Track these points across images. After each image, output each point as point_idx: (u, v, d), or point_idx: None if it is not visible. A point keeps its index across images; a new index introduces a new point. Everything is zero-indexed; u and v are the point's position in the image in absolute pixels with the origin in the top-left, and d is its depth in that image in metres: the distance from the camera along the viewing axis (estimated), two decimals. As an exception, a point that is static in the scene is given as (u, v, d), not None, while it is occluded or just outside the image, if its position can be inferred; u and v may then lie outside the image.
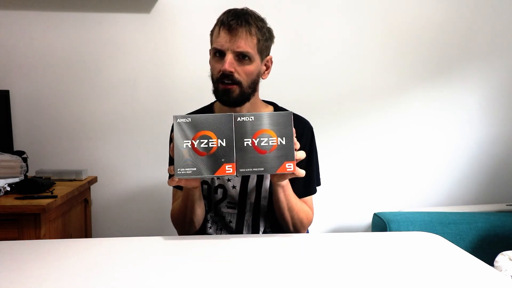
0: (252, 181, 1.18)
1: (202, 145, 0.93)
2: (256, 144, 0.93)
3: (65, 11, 1.78)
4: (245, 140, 0.93)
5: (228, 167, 0.92)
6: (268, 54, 1.16)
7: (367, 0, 1.86)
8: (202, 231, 1.21)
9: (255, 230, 1.20)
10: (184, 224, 1.15)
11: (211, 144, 0.93)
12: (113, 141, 1.84)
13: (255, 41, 1.08)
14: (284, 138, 0.94)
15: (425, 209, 1.82)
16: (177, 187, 1.21)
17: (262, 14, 1.14)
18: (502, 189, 1.99)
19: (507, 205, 1.87)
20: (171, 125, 1.23)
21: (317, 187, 1.24)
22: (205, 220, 1.21)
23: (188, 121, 0.93)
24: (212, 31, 1.14)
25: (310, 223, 1.20)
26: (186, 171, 0.93)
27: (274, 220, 1.19)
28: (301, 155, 0.98)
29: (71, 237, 1.60)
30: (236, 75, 1.08)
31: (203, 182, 1.19)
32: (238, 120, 0.93)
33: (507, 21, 1.91)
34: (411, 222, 1.66)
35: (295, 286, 0.76)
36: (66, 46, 1.79)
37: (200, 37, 1.75)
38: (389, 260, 0.88)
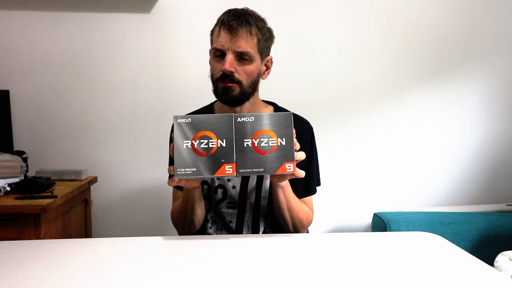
0: (252, 181, 1.18)
1: (202, 146, 0.93)
2: (256, 145, 0.93)
3: (65, 11, 1.78)
4: (245, 140, 0.93)
5: (228, 168, 0.92)
6: (268, 54, 1.17)
7: (367, 0, 1.86)
8: (202, 231, 1.21)
9: (255, 230, 1.20)
10: (184, 224, 1.15)
11: (211, 145, 0.93)
12: (113, 141, 1.84)
13: (255, 41, 1.09)
14: (284, 139, 0.93)
15: (425, 209, 1.82)
16: (177, 187, 1.21)
17: (262, 14, 1.14)
18: (502, 189, 1.99)
19: (507, 205, 1.87)
20: (171, 125, 1.23)
21: (317, 187, 1.24)
22: (205, 220, 1.21)
23: (188, 121, 0.93)
24: (212, 31, 1.14)
25: (310, 223, 1.20)
26: (186, 171, 0.92)
27: (274, 220, 1.19)
28: (301, 156, 0.98)
29: (71, 237, 1.60)
30: (236, 74, 1.08)
31: (203, 182, 1.19)
32: (238, 120, 0.93)
33: (507, 21, 1.91)
34: (411, 222, 1.66)
35: (295, 286, 0.76)
36: (66, 46, 1.79)
37: (200, 37, 1.75)
38: (389, 260, 0.88)
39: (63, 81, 1.81)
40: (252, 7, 1.14)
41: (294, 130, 0.95)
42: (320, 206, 1.76)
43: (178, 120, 0.93)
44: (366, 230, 1.94)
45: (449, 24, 1.90)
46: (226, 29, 1.07)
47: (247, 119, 0.94)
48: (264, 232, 1.20)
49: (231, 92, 1.09)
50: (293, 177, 0.97)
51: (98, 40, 1.80)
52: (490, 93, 1.95)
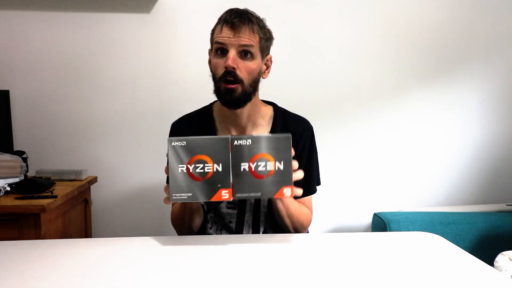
0: (252, 181, 1.18)
1: (197, 170, 0.91)
2: (253, 169, 0.91)
3: (65, 11, 1.78)
4: (242, 164, 0.91)
5: (224, 193, 0.91)
6: (268, 54, 1.17)
7: (367, 0, 1.86)
8: (202, 231, 1.21)
9: (255, 231, 1.20)
10: (183, 228, 1.17)
11: (207, 169, 0.91)
12: (113, 141, 1.84)
13: (257, 38, 1.09)
14: (282, 163, 0.91)
15: (425, 209, 1.81)
16: None
17: (262, 14, 1.14)
18: (502, 189, 1.99)
19: (507, 205, 1.87)
20: (170, 128, 1.24)
21: (317, 187, 1.24)
22: (205, 221, 1.21)
23: (183, 144, 0.91)
24: (213, 30, 1.13)
25: (310, 223, 1.21)
26: (182, 196, 0.91)
27: (275, 221, 1.18)
28: (299, 175, 0.97)
29: (71, 237, 1.60)
30: (238, 72, 1.07)
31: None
32: (235, 143, 0.91)
33: (507, 21, 1.91)
34: (411, 222, 1.65)
35: (295, 286, 0.76)
36: (66, 46, 1.79)
37: (200, 37, 1.75)
38: (389, 260, 0.88)
39: (63, 81, 1.81)
40: (252, 7, 1.14)
41: (293, 149, 0.94)
42: (320, 206, 1.76)
43: (173, 144, 0.91)
44: (366, 230, 1.94)
45: (449, 24, 1.90)
46: (229, 26, 1.07)
47: (244, 142, 0.91)
48: (264, 232, 1.20)
49: (234, 93, 1.08)
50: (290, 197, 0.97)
51: (98, 40, 1.80)
52: (490, 93, 1.95)
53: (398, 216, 1.68)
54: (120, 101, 1.83)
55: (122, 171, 1.85)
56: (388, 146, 1.93)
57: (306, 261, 0.89)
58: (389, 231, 1.62)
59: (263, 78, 1.17)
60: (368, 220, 1.89)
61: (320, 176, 1.25)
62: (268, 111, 1.22)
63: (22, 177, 1.51)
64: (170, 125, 1.24)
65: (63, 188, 1.53)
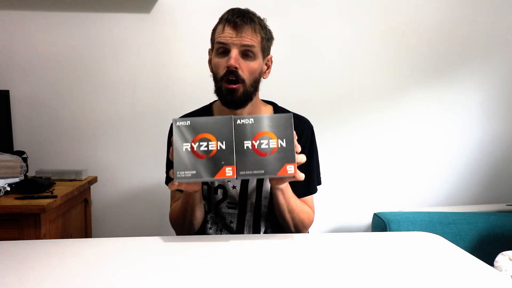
0: (253, 181, 1.18)
1: (201, 148, 0.92)
2: (256, 147, 0.92)
3: (65, 11, 1.78)
4: (245, 142, 0.92)
5: (228, 170, 0.91)
6: (269, 54, 1.17)
7: (367, 0, 1.86)
8: (202, 231, 1.21)
9: (256, 231, 1.19)
10: (183, 226, 1.15)
11: (211, 147, 0.92)
12: (113, 141, 1.84)
13: (259, 38, 1.09)
14: (284, 140, 0.92)
15: (425, 209, 1.81)
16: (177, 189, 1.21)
17: (262, 14, 1.14)
18: (502, 189, 1.99)
19: (507, 205, 1.87)
20: (169, 127, 1.23)
21: (318, 186, 1.24)
22: (205, 221, 1.21)
23: (187, 124, 0.92)
24: (214, 30, 1.13)
25: (311, 223, 1.20)
26: (186, 174, 0.91)
27: (275, 221, 1.18)
28: (301, 158, 0.97)
29: (71, 237, 1.60)
30: (240, 72, 1.07)
31: (203, 183, 1.19)
32: (238, 122, 0.92)
33: (507, 21, 1.91)
34: (411, 222, 1.66)
35: (295, 286, 0.76)
36: (66, 46, 1.79)
37: (200, 37, 1.75)
38: (389, 260, 0.88)
39: (63, 81, 1.81)
40: (252, 6, 1.14)
41: (294, 132, 0.94)
42: (320, 206, 1.76)
43: (177, 123, 0.92)
44: (366, 230, 1.94)
45: (449, 24, 1.90)
46: (231, 25, 1.07)
47: (247, 121, 0.92)
48: (265, 233, 1.20)
49: (236, 93, 1.08)
50: (293, 179, 0.97)
51: (98, 40, 1.80)
52: (490, 93, 1.95)
53: (398, 216, 1.68)
54: (120, 101, 1.83)
55: (122, 171, 1.85)
56: (388, 146, 1.93)
57: (306, 261, 0.89)
58: (389, 231, 1.62)
59: (263, 78, 1.17)
60: (368, 220, 1.89)
61: (321, 176, 1.25)
62: (268, 110, 1.22)
63: (22, 177, 1.51)
64: (170, 124, 1.24)
65: (63, 188, 1.53)
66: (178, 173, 0.91)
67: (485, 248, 1.64)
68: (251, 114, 1.16)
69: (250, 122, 0.92)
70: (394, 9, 1.87)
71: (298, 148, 0.96)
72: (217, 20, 1.13)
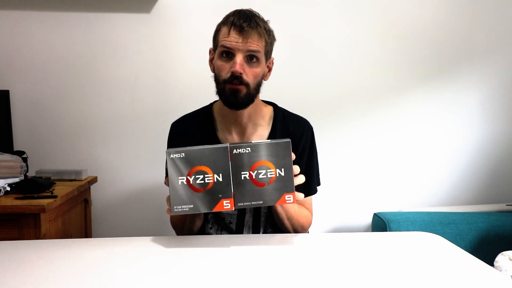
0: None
1: (198, 181, 0.90)
2: (254, 177, 0.90)
3: (65, 11, 1.78)
4: (242, 173, 0.90)
5: (226, 203, 0.90)
6: (271, 56, 1.17)
7: (367, 0, 1.86)
8: (202, 231, 1.21)
9: (255, 231, 1.20)
10: (183, 230, 1.18)
11: (207, 180, 0.90)
12: (113, 141, 1.84)
13: (263, 43, 1.09)
14: (283, 169, 0.90)
15: (425, 209, 1.81)
16: None
17: (262, 14, 1.14)
18: (502, 189, 1.99)
19: (507, 205, 1.87)
20: (170, 127, 1.23)
21: (317, 187, 1.24)
22: (206, 221, 1.21)
23: (182, 156, 0.90)
24: (217, 30, 1.12)
25: (310, 224, 1.21)
26: (184, 208, 0.91)
27: (275, 222, 1.18)
28: (300, 180, 0.97)
29: (71, 237, 1.60)
30: (244, 76, 1.07)
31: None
32: (234, 152, 0.90)
33: (507, 21, 1.91)
34: (411, 222, 1.66)
35: (295, 286, 0.76)
36: (66, 46, 1.79)
37: (200, 37, 1.76)
38: (389, 260, 0.88)
39: (63, 81, 1.81)
40: (252, 7, 1.14)
41: (293, 155, 0.92)
42: (320, 206, 1.76)
43: (172, 156, 0.90)
44: (366, 230, 1.94)
45: (449, 24, 1.90)
46: (237, 30, 1.06)
47: (244, 150, 0.90)
48: (264, 233, 1.20)
49: (239, 93, 1.08)
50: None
51: (98, 40, 1.80)
52: (490, 93, 1.95)
53: (398, 216, 1.68)
54: (120, 101, 1.83)
55: (122, 171, 1.85)
56: (388, 146, 1.93)
57: (306, 261, 0.89)
58: (389, 231, 1.62)
59: (264, 80, 1.17)
60: (368, 220, 1.89)
61: (320, 176, 1.25)
62: (268, 111, 1.22)
63: (22, 177, 1.51)
64: (170, 125, 1.24)
65: (63, 188, 1.53)
66: (175, 207, 0.90)
67: (485, 248, 1.64)
68: (252, 115, 1.16)
69: (247, 151, 0.90)
70: (394, 9, 1.87)
71: (297, 169, 0.95)
72: (217, 20, 1.12)
